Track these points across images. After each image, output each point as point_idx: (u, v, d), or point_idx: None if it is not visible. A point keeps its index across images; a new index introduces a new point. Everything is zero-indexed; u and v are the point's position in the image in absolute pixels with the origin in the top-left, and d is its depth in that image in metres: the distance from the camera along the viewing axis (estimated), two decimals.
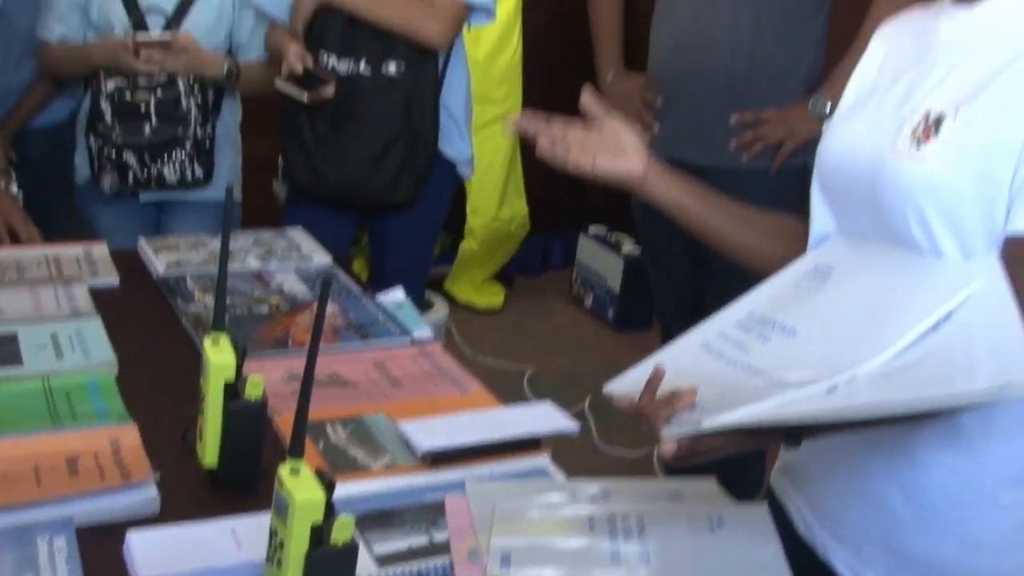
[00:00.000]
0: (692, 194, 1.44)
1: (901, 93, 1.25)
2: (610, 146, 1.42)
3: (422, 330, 1.80)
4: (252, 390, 1.25)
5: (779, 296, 1.26)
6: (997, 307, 1.05)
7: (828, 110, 2.42)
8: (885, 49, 1.36)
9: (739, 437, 1.10)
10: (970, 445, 1.15)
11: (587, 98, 1.47)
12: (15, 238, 2.22)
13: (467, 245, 4.27)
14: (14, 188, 2.35)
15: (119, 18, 2.43)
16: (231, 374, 1.25)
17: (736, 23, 2.45)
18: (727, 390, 1.12)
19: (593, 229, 4.41)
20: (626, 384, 1.23)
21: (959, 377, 1.01)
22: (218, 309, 1.27)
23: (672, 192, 1.43)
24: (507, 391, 3.55)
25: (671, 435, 1.08)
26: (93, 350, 1.61)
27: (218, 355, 1.25)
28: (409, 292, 2.10)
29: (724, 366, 1.19)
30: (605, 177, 1.42)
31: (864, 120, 1.29)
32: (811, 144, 2.41)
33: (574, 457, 1.53)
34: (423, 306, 3.41)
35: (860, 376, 1.05)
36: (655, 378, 1.14)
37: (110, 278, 1.98)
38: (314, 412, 1.06)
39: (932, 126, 1.15)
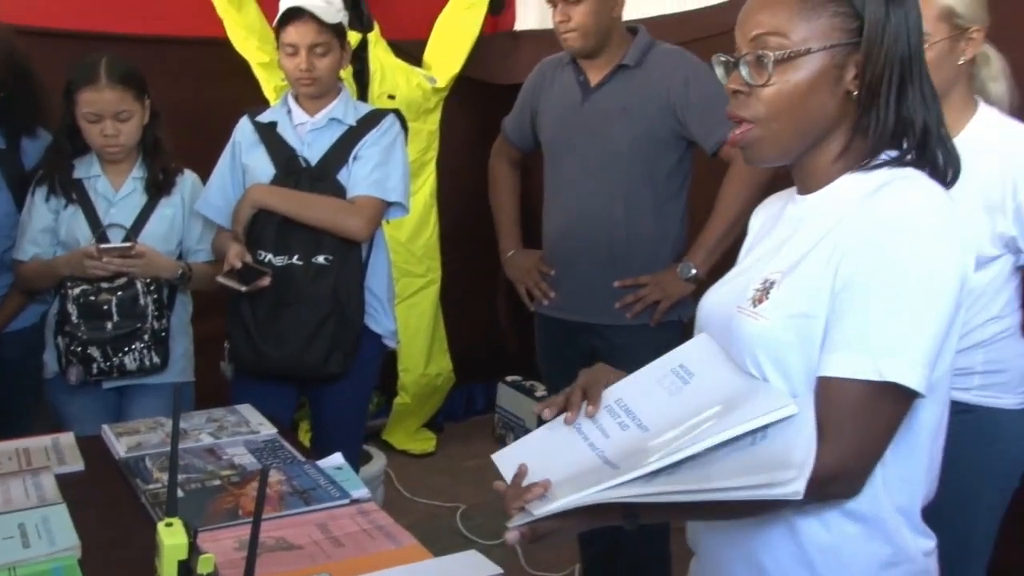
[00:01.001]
0: None
1: (755, 260, 1.30)
2: None
3: (360, 491, 1.76)
4: (203, 567, 1.21)
5: (645, 389, 1.28)
6: (800, 427, 1.09)
7: (693, 273, 2.51)
8: (758, 225, 1.41)
9: (577, 518, 1.15)
10: None
11: None
12: None
13: (400, 400, 4.23)
14: None
15: (84, 235, 2.43)
16: (184, 553, 1.22)
17: (612, 205, 2.52)
18: (576, 476, 1.16)
19: (510, 378, 4.41)
20: (509, 455, 1.28)
21: (730, 473, 1.05)
22: (170, 499, 1.25)
23: None
24: (443, 527, 3.55)
25: (513, 524, 1.14)
26: (58, 536, 1.54)
27: (171, 537, 1.23)
28: (347, 450, 2.06)
29: (585, 450, 1.22)
30: None
31: (730, 282, 1.34)
32: (683, 302, 2.50)
33: None
34: (363, 459, 3.36)
35: (681, 466, 1.09)
36: (519, 475, 1.21)
37: (76, 465, 1.91)
38: None
39: (766, 290, 1.20)
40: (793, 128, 1.19)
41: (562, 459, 1.20)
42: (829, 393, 1.11)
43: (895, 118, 1.17)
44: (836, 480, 1.09)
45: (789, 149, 1.22)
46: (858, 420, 1.10)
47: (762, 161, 1.25)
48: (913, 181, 1.16)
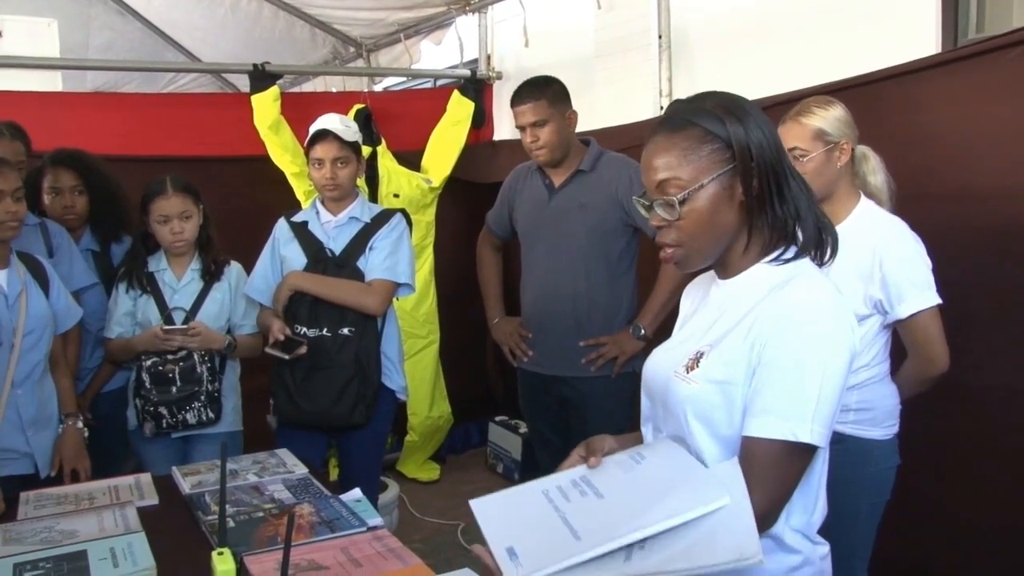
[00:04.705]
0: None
1: (688, 332, 1.30)
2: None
3: (375, 519, 1.75)
4: None
5: (604, 469, 1.24)
6: (740, 501, 1.07)
7: (643, 333, 2.53)
8: (688, 303, 1.40)
9: None
10: None
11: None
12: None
13: (410, 438, 4.22)
14: (85, 431, 2.33)
15: (155, 316, 2.47)
16: None
17: (576, 280, 2.56)
18: (543, 538, 1.10)
19: (498, 417, 4.40)
20: (485, 504, 1.24)
21: (707, 555, 1.02)
22: (220, 532, 1.27)
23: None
24: (447, 541, 3.53)
25: None
26: (139, 558, 1.57)
27: (222, 564, 1.25)
28: (368, 482, 2.03)
29: (549, 512, 1.17)
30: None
31: (668, 351, 1.32)
32: (636, 357, 2.52)
33: None
34: (381, 487, 3.34)
35: (649, 545, 1.03)
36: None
37: (152, 499, 1.93)
38: None
39: (696, 360, 1.20)
40: (708, 242, 1.21)
41: (530, 518, 1.17)
42: (753, 449, 1.13)
43: (782, 210, 1.19)
44: (765, 520, 1.11)
45: (710, 255, 1.23)
46: (776, 470, 1.12)
47: (692, 268, 1.26)
48: (809, 278, 1.18)
